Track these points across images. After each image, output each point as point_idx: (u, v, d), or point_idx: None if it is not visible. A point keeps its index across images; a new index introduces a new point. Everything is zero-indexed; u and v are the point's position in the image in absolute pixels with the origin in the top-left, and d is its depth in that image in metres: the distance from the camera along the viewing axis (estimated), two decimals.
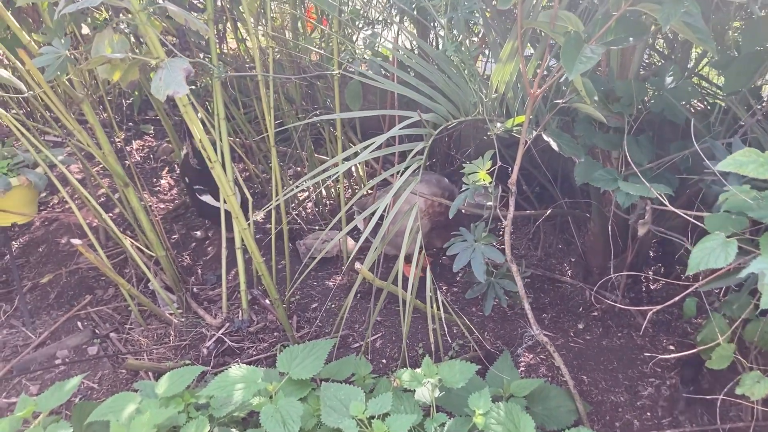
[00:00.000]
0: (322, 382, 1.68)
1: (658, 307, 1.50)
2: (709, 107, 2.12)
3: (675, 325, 2.30)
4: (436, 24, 2.25)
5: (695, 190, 1.95)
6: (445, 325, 2.11)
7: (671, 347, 2.19)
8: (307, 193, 3.20)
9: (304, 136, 2.87)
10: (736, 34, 1.85)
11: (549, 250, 2.74)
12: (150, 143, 3.90)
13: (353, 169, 3.16)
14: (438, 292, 1.85)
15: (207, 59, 2.83)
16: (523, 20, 1.56)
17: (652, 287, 2.50)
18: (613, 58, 2.07)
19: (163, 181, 3.49)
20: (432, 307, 1.73)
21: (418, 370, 1.57)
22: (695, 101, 2.31)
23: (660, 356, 1.84)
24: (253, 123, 3.16)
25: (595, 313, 2.38)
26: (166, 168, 3.64)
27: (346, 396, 1.47)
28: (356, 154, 1.84)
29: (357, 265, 1.68)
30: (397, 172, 1.65)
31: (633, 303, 2.39)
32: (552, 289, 2.53)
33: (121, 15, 2.35)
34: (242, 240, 2.32)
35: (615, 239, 2.42)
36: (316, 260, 2.16)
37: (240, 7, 2.74)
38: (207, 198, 2.70)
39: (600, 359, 2.15)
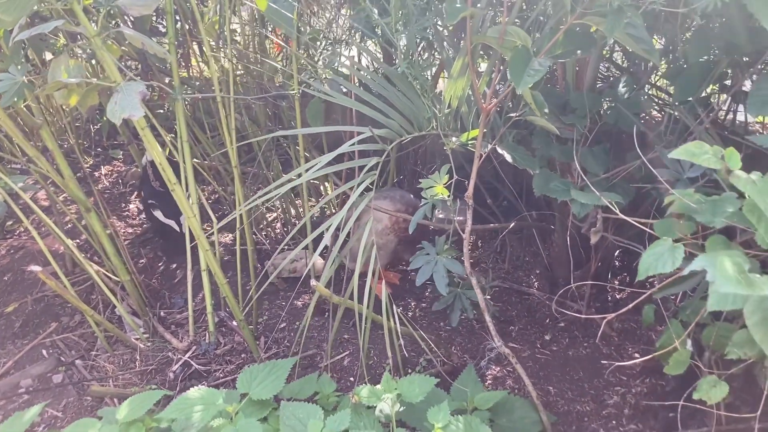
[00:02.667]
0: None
1: (614, 314, 1.52)
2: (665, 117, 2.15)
3: (640, 334, 2.32)
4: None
5: (652, 200, 1.97)
6: (410, 341, 2.12)
7: (636, 355, 2.21)
8: (275, 214, 3.20)
9: (270, 156, 2.88)
10: (685, 45, 1.89)
11: (516, 262, 2.76)
12: (119, 168, 3.88)
13: (322, 188, 3.17)
14: (396, 306, 1.85)
15: (171, 82, 2.85)
16: (472, 35, 1.59)
17: (617, 296, 2.52)
18: (569, 71, 2.11)
19: (131, 206, 3.47)
20: (389, 321, 1.73)
21: (378, 386, 1.56)
22: (653, 112, 2.35)
23: (620, 363, 1.85)
24: (220, 146, 3.16)
25: (562, 324, 2.40)
26: (135, 193, 3.62)
27: (305, 414, 1.47)
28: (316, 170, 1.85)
29: (313, 282, 1.68)
30: (352, 188, 1.66)
31: (599, 313, 2.41)
32: (519, 301, 2.54)
33: (79, 40, 2.35)
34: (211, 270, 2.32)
35: (579, 250, 2.44)
36: (270, 278, 2.16)
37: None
38: (158, 213, 2.69)
39: (566, 369, 2.16)
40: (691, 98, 1.85)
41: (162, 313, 2.61)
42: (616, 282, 2.57)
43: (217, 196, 3.28)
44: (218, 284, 2.15)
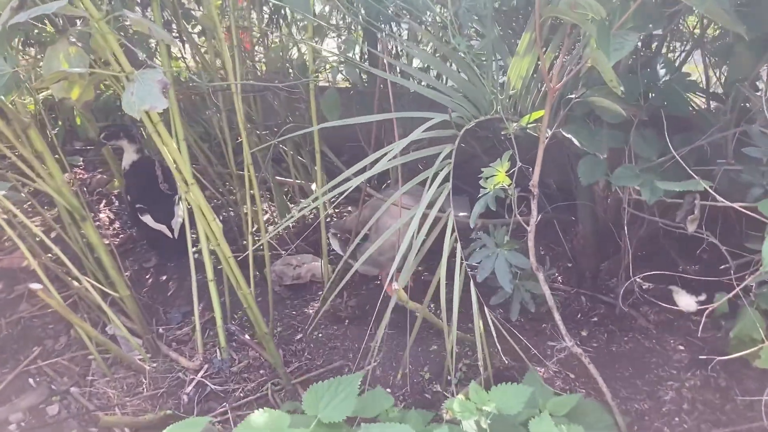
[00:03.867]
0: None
1: (713, 305, 1.41)
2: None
3: (677, 325, 2.24)
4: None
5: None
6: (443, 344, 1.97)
7: (680, 347, 2.12)
8: (267, 215, 3.00)
9: (267, 156, 2.67)
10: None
11: (545, 255, 2.65)
12: (81, 176, 3.59)
13: (314, 187, 2.98)
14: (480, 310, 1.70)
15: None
16: (542, 8, 1.45)
17: (644, 287, 2.44)
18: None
19: (102, 215, 3.19)
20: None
21: (462, 398, 1.41)
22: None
23: (717, 357, 1.73)
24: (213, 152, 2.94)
25: (595, 319, 2.30)
26: (104, 201, 3.34)
27: None
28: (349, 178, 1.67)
29: (394, 285, 1.51)
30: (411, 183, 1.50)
31: (631, 305, 2.32)
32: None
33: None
34: (213, 271, 2.11)
35: (605, 241, 2.35)
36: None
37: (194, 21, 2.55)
38: (147, 218, 2.47)
39: (615, 366, 2.05)
40: (746, 76, 1.77)
41: (160, 330, 2.37)
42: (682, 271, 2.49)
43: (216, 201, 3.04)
44: (241, 294, 1.94)
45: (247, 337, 2.24)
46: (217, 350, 2.18)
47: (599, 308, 2.32)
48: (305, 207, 1.84)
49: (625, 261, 2.20)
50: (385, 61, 1.75)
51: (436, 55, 2.05)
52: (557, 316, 1.61)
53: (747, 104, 1.83)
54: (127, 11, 1.72)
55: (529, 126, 1.63)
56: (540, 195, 2.47)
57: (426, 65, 2.21)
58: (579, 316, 2.32)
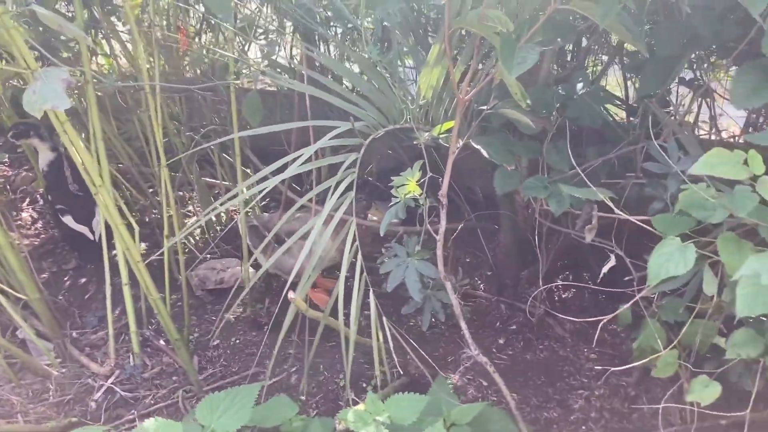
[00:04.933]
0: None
1: (607, 317, 1.44)
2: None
3: (592, 333, 2.27)
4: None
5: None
6: (362, 351, 1.96)
7: (593, 356, 2.16)
8: (195, 218, 2.95)
9: (191, 157, 2.63)
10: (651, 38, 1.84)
11: (457, 264, 2.66)
12: (5, 173, 3.46)
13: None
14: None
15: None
16: (451, 19, 1.46)
17: (563, 296, 2.48)
18: None
19: (24, 214, 3.09)
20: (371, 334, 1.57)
21: (361, 407, 1.40)
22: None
23: (615, 368, 1.76)
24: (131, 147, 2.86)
25: (513, 327, 2.32)
26: (27, 199, 3.24)
27: None
28: (265, 178, 1.66)
29: (290, 294, 1.49)
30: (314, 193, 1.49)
31: (548, 313, 2.35)
32: (466, 304, 2.44)
33: None
34: (129, 275, 2.05)
35: (523, 250, 2.38)
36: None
37: (114, 18, 2.48)
38: (68, 219, 2.40)
39: (527, 374, 2.08)
40: (655, 92, 1.82)
41: (74, 334, 2.30)
42: (559, 281, 2.53)
43: (125, 201, 2.96)
44: (150, 299, 1.90)
45: (161, 342, 2.19)
46: (130, 356, 2.13)
47: (518, 316, 2.35)
48: (214, 209, 1.80)
49: (543, 270, 2.23)
50: (303, 71, 1.73)
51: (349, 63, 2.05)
52: (463, 325, 1.61)
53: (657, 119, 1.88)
54: (36, 6, 1.67)
55: (441, 136, 1.64)
56: (464, 201, 2.50)
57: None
58: (498, 324, 2.34)
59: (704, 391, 1.46)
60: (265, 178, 1.59)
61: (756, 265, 0.98)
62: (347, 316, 1.65)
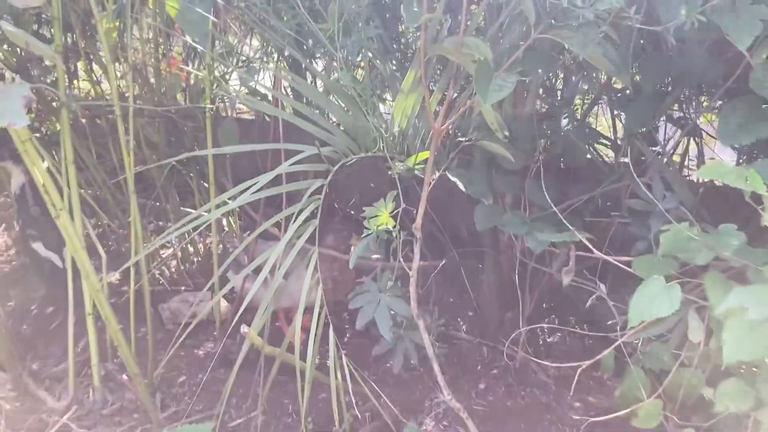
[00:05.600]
0: None
1: (588, 362, 1.35)
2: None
3: (577, 380, 2.17)
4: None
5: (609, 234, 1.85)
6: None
7: (577, 404, 2.06)
8: (171, 249, 2.86)
9: (169, 185, 2.56)
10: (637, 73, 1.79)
11: (440, 304, 2.57)
12: None
13: (225, 222, 2.86)
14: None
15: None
16: (427, 47, 1.40)
17: (548, 340, 2.39)
18: (507, 99, 1.96)
19: None
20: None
21: None
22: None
23: (593, 419, 1.66)
24: (110, 173, 2.79)
25: (495, 372, 2.22)
26: (3, 225, 3.16)
27: None
28: (232, 199, 1.59)
29: (243, 328, 1.40)
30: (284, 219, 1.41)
31: (532, 358, 2.25)
32: (447, 346, 2.34)
33: None
34: (93, 305, 1.96)
35: (509, 291, 2.29)
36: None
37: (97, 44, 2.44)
38: (37, 246, 2.32)
39: (507, 422, 1.97)
40: (643, 129, 1.76)
41: (34, 366, 2.20)
42: (544, 324, 2.44)
43: (102, 230, 2.88)
44: (110, 331, 1.81)
45: (125, 377, 2.09)
46: (91, 390, 2.02)
47: (500, 360, 2.25)
48: (171, 232, 1.72)
49: (526, 312, 2.15)
50: (277, 95, 1.68)
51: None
52: (436, 367, 1.52)
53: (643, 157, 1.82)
54: (3, 22, 1.63)
55: (417, 167, 1.58)
56: (447, 239, 2.43)
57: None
58: (479, 367, 2.24)
59: None
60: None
61: (742, 297, 0.89)
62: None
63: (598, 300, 1.69)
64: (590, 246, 1.33)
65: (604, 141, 2.08)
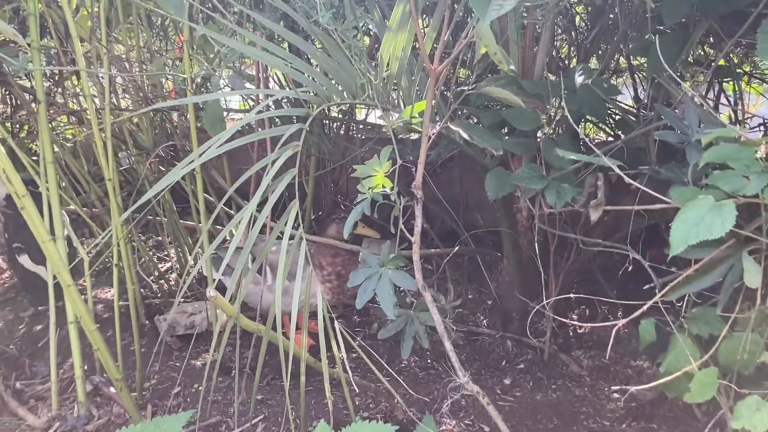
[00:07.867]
0: None
1: (622, 321, 1.13)
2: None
3: (615, 370, 1.95)
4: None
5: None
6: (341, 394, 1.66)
7: (615, 395, 1.83)
8: (168, 264, 2.70)
9: (165, 199, 2.38)
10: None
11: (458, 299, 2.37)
12: None
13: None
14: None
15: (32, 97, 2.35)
16: None
17: (579, 331, 2.17)
18: (514, 59, 1.78)
19: None
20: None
21: None
22: None
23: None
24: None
25: (521, 366, 2.00)
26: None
27: None
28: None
29: (210, 291, 1.21)
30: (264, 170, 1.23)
31: (561, 349, 2.04)
32: (468, 343, 2.13)
33: None
34: (75, 314, 1.79)
35: (533, 276, 2.07)
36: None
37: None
38: (24, 259, 2.18)
39: (537, 417, 1.74)
40: (667, 71, 1.56)
41: (18, 385, 2.02)
42: (575, 315, 2.22)
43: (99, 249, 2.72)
44: (87, 333, 1.63)
45: (112, 390, 1.90)
46: (75, 405, 1.84)
47: (526, 354, 2.04)
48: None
49: (554, 292, 1.94)
50: (255, 40, 1.50)
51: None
52: (448, 345, 1.31)
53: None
54: None
55: (413, 120, 1.39)
56: (462, 229, 2.23)
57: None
58: (504, 362, 2.02)
59: (755, 416, 1.14)
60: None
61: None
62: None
63: (631, 272, 1.47)
64: (619, 172, 1.12)
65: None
